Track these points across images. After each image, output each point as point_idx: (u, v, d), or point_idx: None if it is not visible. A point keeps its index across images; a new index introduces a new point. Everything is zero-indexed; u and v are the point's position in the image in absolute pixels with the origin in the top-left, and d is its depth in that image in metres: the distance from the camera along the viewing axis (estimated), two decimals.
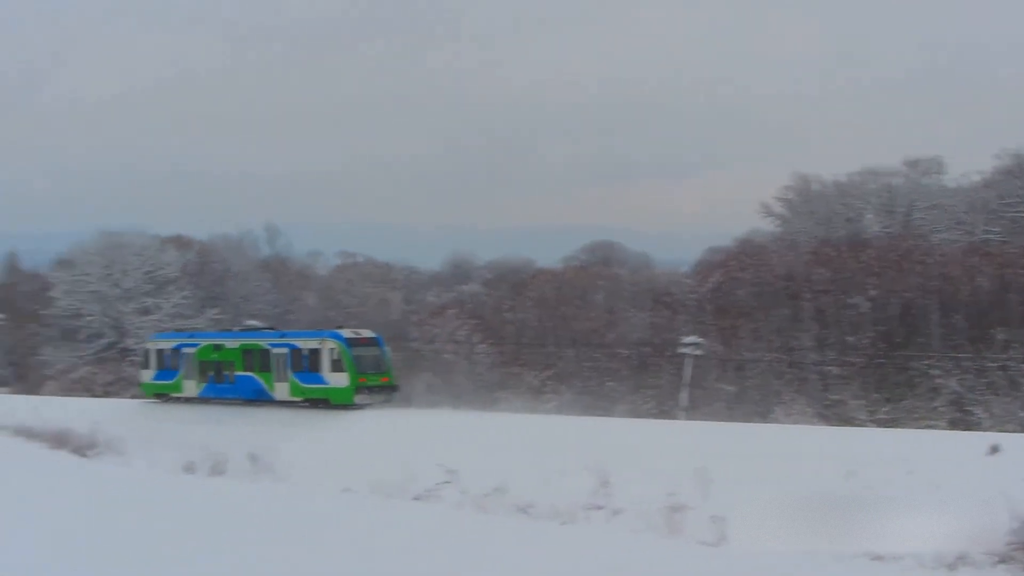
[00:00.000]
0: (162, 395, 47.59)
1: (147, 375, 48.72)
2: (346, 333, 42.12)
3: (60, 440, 36.90)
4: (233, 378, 44.43)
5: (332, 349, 40.81)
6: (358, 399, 40.06)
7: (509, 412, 38.74)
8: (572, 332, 58.34)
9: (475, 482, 19.53)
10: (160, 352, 47.98)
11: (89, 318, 69.06)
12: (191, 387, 46.22)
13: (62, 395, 57.77)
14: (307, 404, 41.66)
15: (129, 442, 35.50)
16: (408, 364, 57.55)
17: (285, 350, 42.53)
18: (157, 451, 33.72)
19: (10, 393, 67.59)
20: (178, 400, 46.56)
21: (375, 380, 40.65)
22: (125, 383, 59.31)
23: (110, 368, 64.26)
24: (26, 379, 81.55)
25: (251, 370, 43.61)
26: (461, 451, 24.00)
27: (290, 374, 42.19)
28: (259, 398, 43.25)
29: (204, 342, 46.69)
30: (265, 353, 43.23)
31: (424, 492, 19.67)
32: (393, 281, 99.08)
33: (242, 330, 50.10)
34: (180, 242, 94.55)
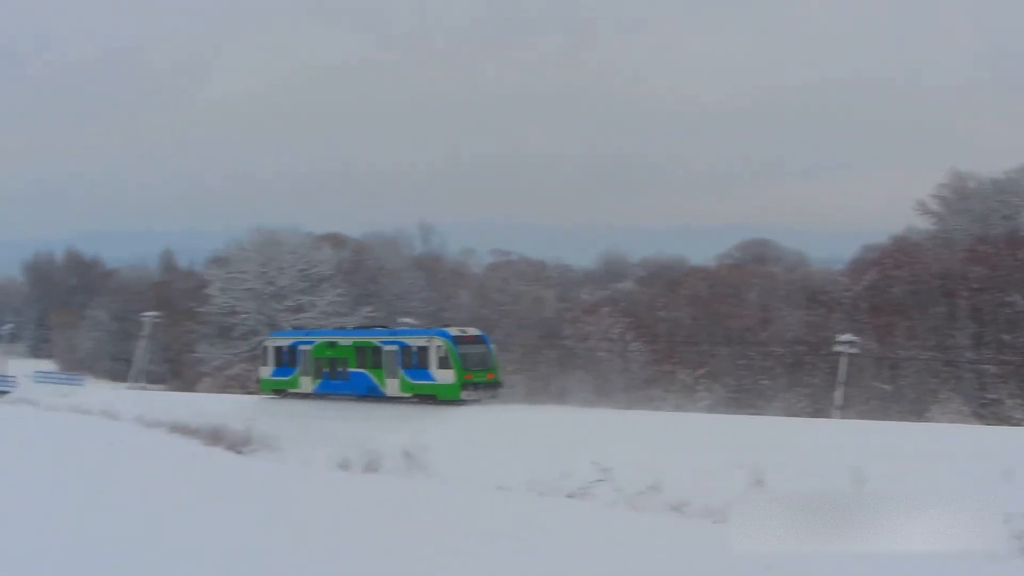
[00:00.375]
0: (279, 391, 51.24)
1: (266, 371, 52.60)
2: (453, 331, 45.06)
3: (215, 437, 39.86)
4: (347, 374, 47.77)
5: (439, 347, 43.67)
6: (464, 395, 42.69)
7: (662, 410, 39.52)
8: (725, 330, 59.16)
9: (629, 480, 20.23)
10: (278, 349, 51.75)
11: (244, 316, 73.50)
12: (307, 383, 49.73)
13: (217, 392, 62.39)
14: (416, 400, 44.49)
15: (282, 438, 38.20)
16: (561, 362, 58.88)
17: (395, 347, 45.62)
18: (309, 447, 36.20)
19: (165, 390, 73.05)
20: (295, 395, 49.86)
21: (481, 377, 43.38)
22: None
23: None
24: (181, 376, 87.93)
25: (363, 367, 46.92)
26: (614, 449, 24.65)
27: (400, 371, 45.12)
28: (371, 394, 46.36)
29: (320, 340, 50.29)
30: (377, 350, 46.38)
31: (578, 490, 20.64)
32: (547, 279, 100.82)
33: (355, 328, 54.25)
34: (334, 240, 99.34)
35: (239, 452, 37.06)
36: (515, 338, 75.82)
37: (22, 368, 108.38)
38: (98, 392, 68.99)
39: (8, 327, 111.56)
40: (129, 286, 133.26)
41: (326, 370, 48.90)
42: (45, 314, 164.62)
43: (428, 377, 44.10)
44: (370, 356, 46.69)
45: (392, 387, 45.41)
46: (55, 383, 78.45)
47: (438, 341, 43.91)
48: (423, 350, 44.31)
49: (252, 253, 75.25)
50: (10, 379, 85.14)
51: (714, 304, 62.90)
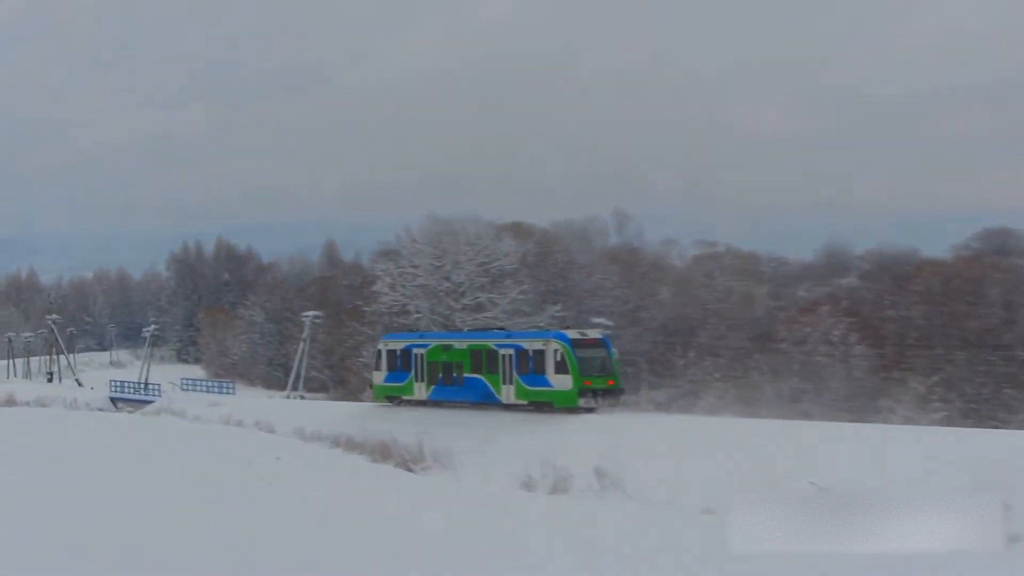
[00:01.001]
0: (393, 398, 55.21)
1: (379, 377, 56.60)
2: (571, 334, 48.10)
3: (384, 452, 42.29)
4: (461, 380, 51.36)
5: (556, 350, 46.73)
6: (582, 402, 45.41)
7: (890, 423, 39.16)
8: (963, 331, 58.50)
9: None
10: (392, 353, 55.70)
11: (416, 316, 76.53)
12: (421, 389, 53.71)
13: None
14: (531, 407, 47.41)
15: (456, 453, 40.05)
16: (773, 368, 58.61)
17: (511, 351, 48.90)
18: (487, 463, 37.92)
19: (327, 399, 77.10)
20: (408, 403, 53.70)
21: (600, 383, 46.20)
22: None
23: None
24: (346, 383, 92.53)
25: (478, 371, 50.48)
26: (839, 468, 24.96)
27: (515, 376, 48.37)
28: (486, 401, 49.68)
29: (434, 343, 54.04)
30: (492, 354, 49.80)
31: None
32: (759, 274, 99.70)
33: (471, 330, 57.77)
34: (518, 230, 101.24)
35: (410, 470, 39.15)
36: (722, 341, 75.60)
37: (167, 374, 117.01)
38: (251, 401, 73.78)
39: (151, 328, 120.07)
40: (288, 282, 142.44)
41: (440, 375, 52.70)
42: (193, 313, 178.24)
43: (545, 383, 47.16)
44: (485, 360, 50.15)
45: (507, 393, 48.64)
46: (203, 391, 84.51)
47: (555, 344, 47.00)
48: (539, 354, 47.43)
49: (425, 245, 77.78)
50: (153, 387, 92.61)
51: (949, 302, 61.97)
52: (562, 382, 46.47)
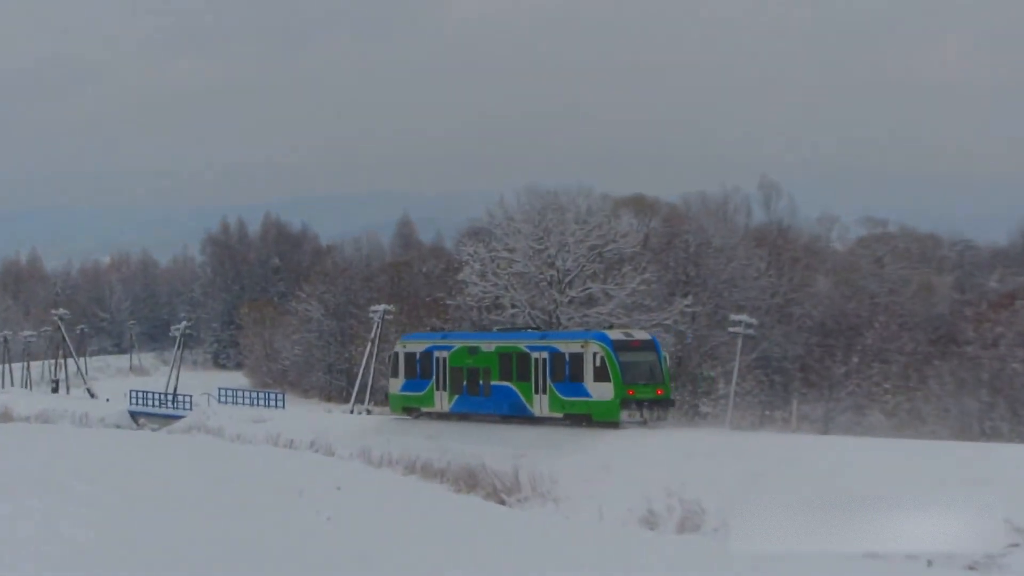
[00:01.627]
0: (411, 409, 58.91)
1: (395, 385, 60.26)
2: (613, 334, 51.10)
3: (470, 480, 42.49)
4: (488, 388, 54.63)
5: (596, 353, 49.53)
6: (624, 415, 48.60)
7: None
8: None
9: None
10: (410, 357, 59.27)
11: (512, 311, 76.83)
12: (442, 399, 57.13)
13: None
14: (567, 421, 50.52)
15: (562, 481, 40.10)
16: (957, 377, 57.41)
17: (545, 354, 51.87)
18: (599, 494, 37.87)
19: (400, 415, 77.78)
20: (429, 416, 57.16)
21: (647, 392, 49.35)
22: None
23: None
24: None
25: (507, 378, 53.81)
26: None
27: (550, 383, 51.45)
28: (515, 413, 52.96)
29: (459, 344, 57.31)
30: (524, 357, 52.97)
31: (983, 558, 21.70)
32: (940, 260, 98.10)
33: (500, 330, 61.15)
34: (639, 205, 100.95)
35: (502, 501, 39.38)
36: (894, 344, 74.28)
37: (200, 383, 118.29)
38: (306, 417, 74.80)
39: (182, 326, 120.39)
40: (352, 269, 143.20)
41: (465, 383, 56.07)
42: (234, 308, 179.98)
43: (582, 392, 50.15)
44: (515, 365, 53.36)
45: (540, 404, 51.85)
46: (246, 404, 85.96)
47: (594, 346, 49.84)
48: (577, 358, 50.35)
49: (524, 224, 78.06)
50: (183, 399, 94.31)
51: None
52: (602, 391, 49.37)
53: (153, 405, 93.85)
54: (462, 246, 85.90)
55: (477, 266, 78.42)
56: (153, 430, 79.04)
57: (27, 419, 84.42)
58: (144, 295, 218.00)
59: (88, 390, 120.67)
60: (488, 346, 55.34)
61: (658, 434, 46.40)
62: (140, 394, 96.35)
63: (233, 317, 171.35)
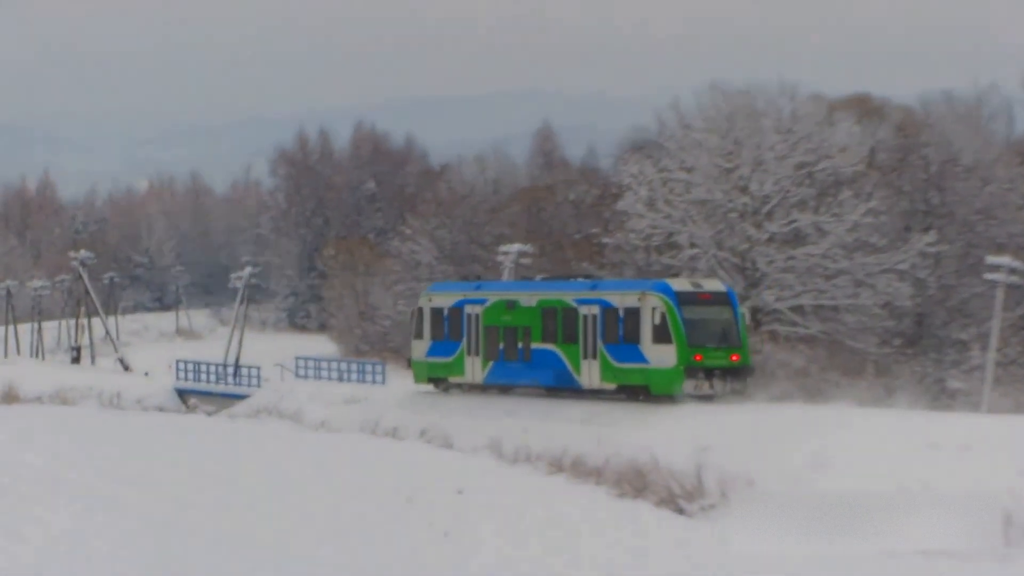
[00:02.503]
0: (438, 380, 63.56)
1: (419, 348, 64.87)
2: (677, 284, 54.65)
3: (636, 481, 42.53)
4: (528, 353, 58.44)
5: (655, 308, 52.89)
6: (688, 388, 52.14)
7: None
8: None
9: None
10: (437, 313, 63.48)
11: (691, 251, 76.52)
12: (475, 367, 61.18)
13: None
14: (621, 394, 54.42)
15: (760, 481, 39.93)
16: None
17: (595, 309, 55.36)
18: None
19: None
20: (459, 388, 61.91)
21: (718, 357, 53.00)
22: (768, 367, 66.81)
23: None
24: None
25: (551, 340, 57.45)
26: None
27: (601, 346, 54.83)
28: (560, 384, 56.95)
29: (494, 296, 61.17)
30: (570, 314, 56.73)
31: None
32: None
33: (545, 279, 65.26)
34: (864, 109, 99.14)
35: (681, 510, 39.42)
36: None
37: (271, 350, 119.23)
38: (413, 394, 75.25)
39: (246, 274, 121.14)
40: (474, 196, 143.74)
41: (501, 346, 59.97)
42: (316, 249, 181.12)
43: (638, 356, 53.63)
44: (561, 322, 57.15)
45: (589, 373, 55.58)
46: (332, 378, 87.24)
47: (653, 299, 53.30)
48: (632, 314, 53.79)
49: (706, 135, 77.63)
50: (248, 372, 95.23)
51: None
52: (662, 356, 52.82)
53: (208, 380, 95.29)
54: (623, 165, 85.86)
55: (643, 192, 78.39)
56: (208, 414, 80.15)
57: (38, 399, 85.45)
58: (194, 233, 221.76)
59: (120, 360, 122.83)
60: (529, 299, 58.91)
61: (885, 416, 47.13)
62: (190, 366, 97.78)
63: (314, 262, 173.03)
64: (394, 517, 33.46)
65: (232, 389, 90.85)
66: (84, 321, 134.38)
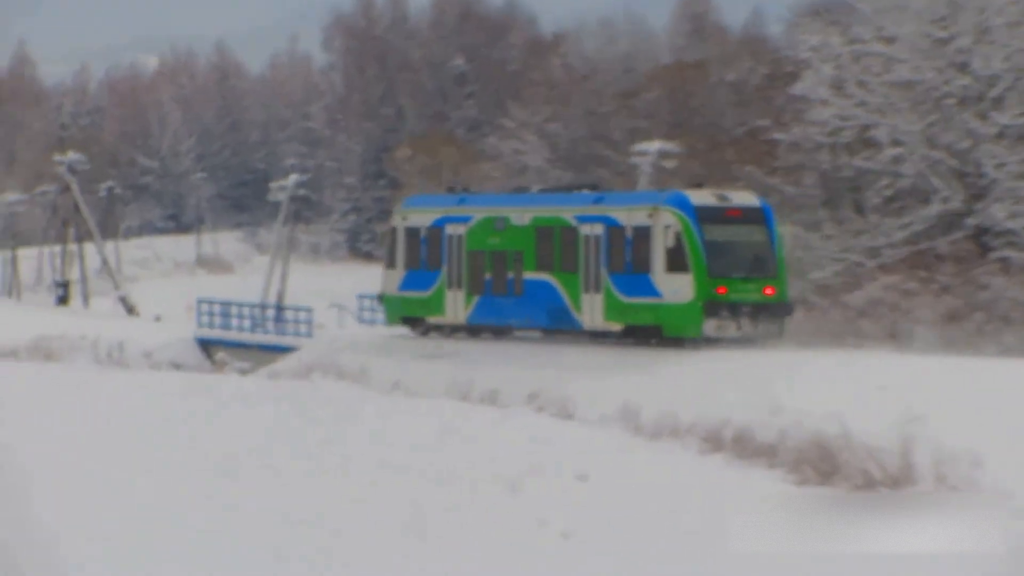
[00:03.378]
0: (414, 320, 67.91)
1: (391, 281, 68.87)
2: (698, 198, 56.73)
3: (822, 465, 42.81)
4: (519, 285, 61.52)
5: (668, 227, 55.26)
6: (710, 328, 55.03)
7: None
8: None
9: None
10: (412, 235, 67.01)
11: (894, 150, 76.44)
12: (456, 303, 64.74)
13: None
14: (629, 337, 57.59)
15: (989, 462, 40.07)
16: None
17: (599, 228, 57.94)
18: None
19: None
20: (440, 330, 66.10)
21: (747, 291, 55.62)
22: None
23: (954, 267, 71.61)
24: None
25: (547, 268, 60.22)
26: None
27: (605, 276, 57.50)
28: (556, 325, 60.93)
29: (480, 213, 64.09)
30: (569, 234, 59.48)
31: None
32: None
33: (543, 191, 69.18)
34: None
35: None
36: None
37: (326, 286, 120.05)
38: (515, 347, 75.74)
39: (291, 183, 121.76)
40: (598, 76, 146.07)
41: (488, 276, 62.99)
42: (384, 149, 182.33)
43: (648, 289, 56.21)
44: (557, 246, 59.95)
45: (591, 310, 58.46)
46: None
47: (667, 215, 55.63)
48: (642, 235, 56.38)
49: None
50: (296, 314, 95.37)
51: None
52: (676, 288, 55.29)
53: (240, 327, 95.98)
54: (800, 35, 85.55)
55: (828, 71, 78.18)
56: (241, 373, 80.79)
57: (13, 353, 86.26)
58: (221, 127, 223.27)
59: (123, 300, 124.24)
60: (521, 216, 61.35)
61: None
62: (217, 307, 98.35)
63: (383, 167, 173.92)
64: (491, 511, 33.70)
65: (273, 339, 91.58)
66: (74, 248, 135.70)
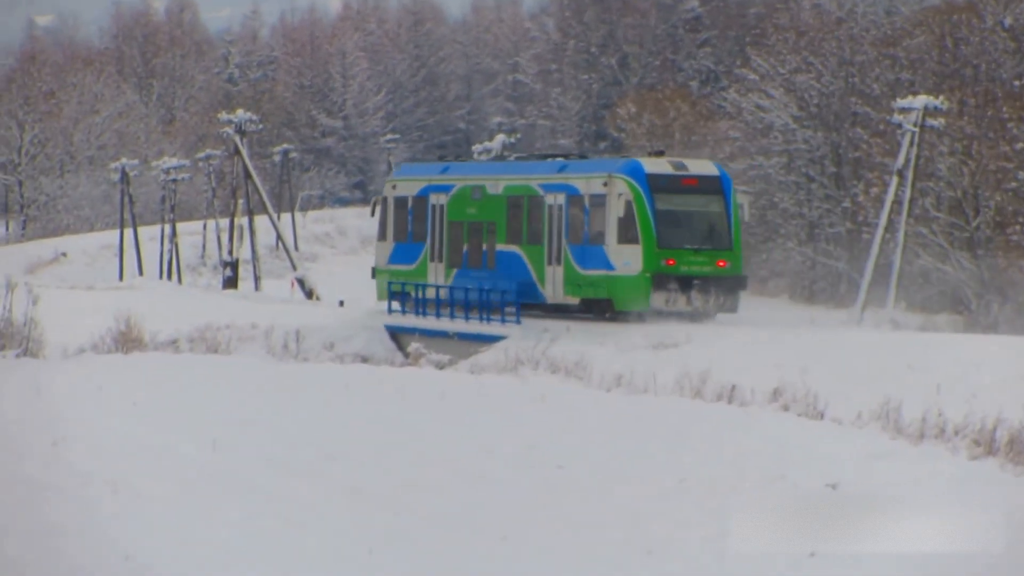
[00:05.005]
0: (404, 296, 75.00)
1: (382, 253, 76.11)
2: (651, 165, 61.69)
3: None
4: (492, 257, 67.79)
5: (620, 196, 60.15)
6: (658, 300, 60.34)
7: None
8: None
9: None
10: (400, 205, 73.51)
11: None
12: (438, 277, 71.94)
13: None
14: (588, 311, 63.40)
15: None
16: None
17: (561, 198, 63.49)
18: None
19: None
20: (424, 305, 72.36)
21: (698, 263, 60.85)
22: None
23: None
24: None
25: (515, 240, 66.40)
26: None
27: (566, 247, 63.13)
28: (525, 299, 66.73)
29: (461, 181, 69.91)
30: (536, 204, 65.36)
31: None
32: None
33: (519, 159, 75.66)
34: None
35: None
36: None
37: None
38: (758, 335, 76.32)
39: (497, 143, 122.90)
40: (851, 20, 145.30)
41: (465, 247, 69.44)
42: (605, 104, 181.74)
43: (603, 262, 61.40)
44: (526, 216, 65.67)
45: (554, 282, 64.34)
46: None
47: (619, 184, 60.36)
48: (598, 203, 61.49)
49: None
50: (498, 296, 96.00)
51: None
52: (626, 259, 60.51)
53: (438, 314, 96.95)
54: None
55: None
56: (439, 366, 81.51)
57: (173, 344, 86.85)
58: (415, 82, 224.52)
59: (300, 282, 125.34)
60: (495, 185, 66.77)
61: None
62: (411, 290, 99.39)
63: (603, 126, 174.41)
64: (723, 535, 34.10)
65: (475, 327, 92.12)
66: (243, 222, 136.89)
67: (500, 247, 66.74)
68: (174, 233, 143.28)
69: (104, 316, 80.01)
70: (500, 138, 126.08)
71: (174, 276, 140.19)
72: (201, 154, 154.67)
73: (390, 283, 74.91)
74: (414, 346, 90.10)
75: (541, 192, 64.36)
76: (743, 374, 61.10)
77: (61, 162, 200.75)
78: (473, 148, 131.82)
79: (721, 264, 60.30)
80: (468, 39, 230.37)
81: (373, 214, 77.43)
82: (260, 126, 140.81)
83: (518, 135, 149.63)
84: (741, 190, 71.04)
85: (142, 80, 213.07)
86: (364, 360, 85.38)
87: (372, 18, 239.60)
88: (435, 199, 70.06)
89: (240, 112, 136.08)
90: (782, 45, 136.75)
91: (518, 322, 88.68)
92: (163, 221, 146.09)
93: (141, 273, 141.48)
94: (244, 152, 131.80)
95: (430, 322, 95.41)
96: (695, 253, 60.12)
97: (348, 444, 43.77)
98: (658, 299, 59.94)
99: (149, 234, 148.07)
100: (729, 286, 60.90)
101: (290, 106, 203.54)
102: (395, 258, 73.61)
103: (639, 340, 73.40)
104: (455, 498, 36.41)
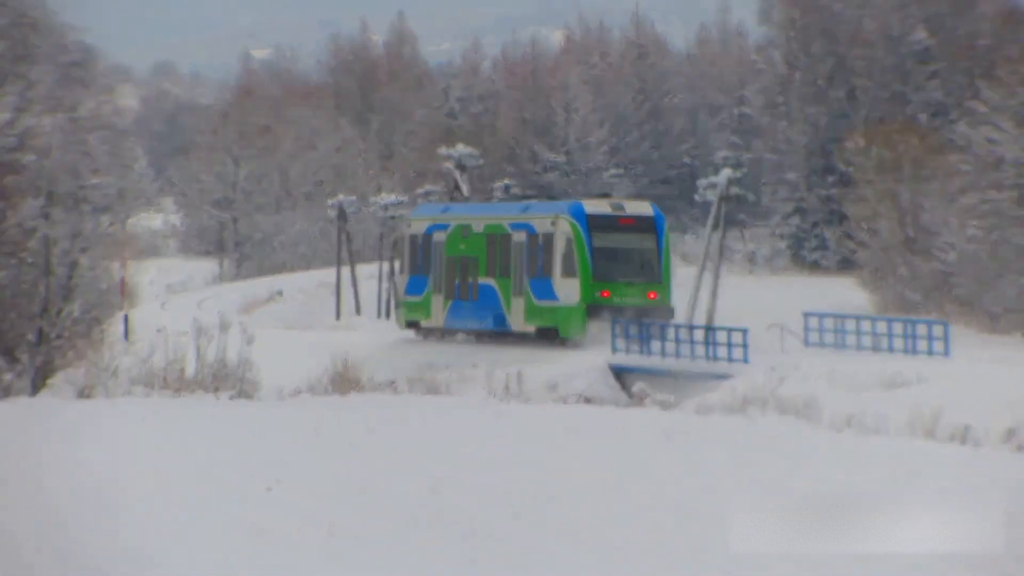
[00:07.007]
0: (416, 324, 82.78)
1: (401, 285, 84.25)
2: (592, 206, 69.01)
3: None
4: (476, 289, 74.82)
5: (563, 234, 68.05)
6: (592, 328, 69.67)
7: None
8: None
9: None
10: (414, 242, 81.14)
11: None
12: (439, 307, 78.77)
13: None
14: (542, 338, 71.12)
15: None
16: None
17: (523, 235, 71.09)
18: None
19: None
20: (430, 332, 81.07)
21: (631, 294, 70.50)
22: None
23: None
24: None
25: (491, 274, 73.78)
26: None
27: (526, 281, 70.86)
28: (497, 327, 74.02)
29: (455, 220, 77.95)
30: (506, 241, 72.79)
31: None
32: None
33: (502, 200, 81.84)
34: None
35: None
36: None
37: (767, 302, 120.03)
38: (984, 372, 75.37)
39: (722, 178, 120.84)
40: None
41: (457, 281, 76.08)
42: (833, 138, 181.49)
43: (551, 293, 69.50)
44: (499, 252, 72.93)
45: (516, 312, 72.02)
46: (861, 345, 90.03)
47: (563, 223, 68.57)
48: (548, 241, 69.10)
49: None
50: (726, 337, 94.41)
51: None
52: (568, 292, 68.56)
53: (662, 351, 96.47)
54: None
55: None
56: (663, 407, 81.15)
57: (391, 384, 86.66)
58: (639, 115, 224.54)
59: None
60: (479, 224, 74.52)
61: None
62: (632, 329, 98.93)
63: (831, 160, 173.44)
64: None
65: (701, 366, 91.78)
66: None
67: (481, 280, 74.40)
68: (392, 271, 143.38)
69: (320, 356, 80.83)
70: (725, 172, 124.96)
71: (390, 314, 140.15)
72: (420, 190, 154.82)
73: (407, 314, 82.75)
74: (638, 386, 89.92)
75: (509, 230, 71.91)
76: (973, 410, 60.51)
77: (277, 198, 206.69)
78: (698, 183, 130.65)
79: (652, 296, 70.34)
80: (693, 72, 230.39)
81: (394, 250, 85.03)
82: (480, 161, 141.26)
83: (744, 169, 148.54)
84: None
85: (360, 115, 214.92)
86: (587, 401, 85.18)
87: (595, 51, 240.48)
88: (437, 236, 77.64)
89: (460, 147, 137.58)
90: (1012, 77, 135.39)
91: (745, 360, 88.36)
92: (381, 259, 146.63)
93: (359, 312, 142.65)
94: (464, 187, 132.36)
95: (654, 361, 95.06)
96: (628, 285, 69.20)
97: (568, 487, 43.61)
98: (593, 327, 68.93)
99: (367, 272, 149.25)
100: (659, 316, 70.13)
101: (511, 140, 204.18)
102: (409, 290, 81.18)
103: (872, 377, 73.13)
104: (675, 537, 36.16)
